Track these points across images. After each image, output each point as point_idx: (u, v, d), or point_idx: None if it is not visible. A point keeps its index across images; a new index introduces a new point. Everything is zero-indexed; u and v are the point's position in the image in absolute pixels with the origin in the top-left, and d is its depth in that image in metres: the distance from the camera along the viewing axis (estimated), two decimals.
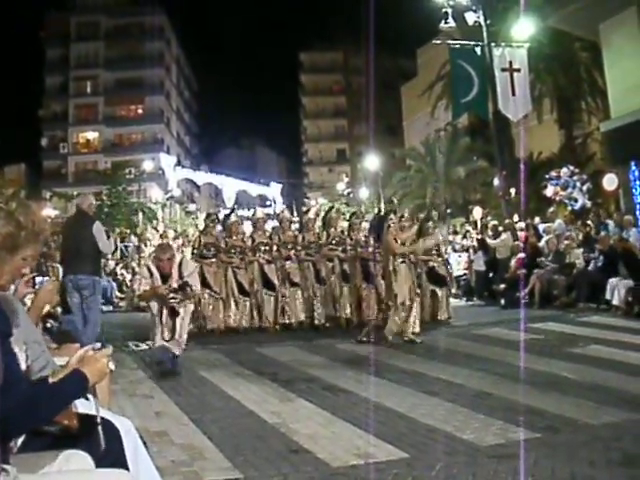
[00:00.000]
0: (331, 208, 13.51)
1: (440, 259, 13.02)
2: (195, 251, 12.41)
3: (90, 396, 2.82)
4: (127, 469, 2.65)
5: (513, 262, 15.46)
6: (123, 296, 18.95)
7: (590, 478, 4.06)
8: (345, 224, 13.51)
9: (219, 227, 12.93)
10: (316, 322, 12.18)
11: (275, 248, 12.39)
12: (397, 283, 9.99)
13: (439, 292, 12.61)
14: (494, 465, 4.33)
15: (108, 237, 9.61)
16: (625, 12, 17.20)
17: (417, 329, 10.23)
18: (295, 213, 13.73)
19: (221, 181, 36.60)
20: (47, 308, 4.90)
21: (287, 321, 12.14)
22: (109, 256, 19.70)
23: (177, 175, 34.90)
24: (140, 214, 31.43)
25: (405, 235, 10.53)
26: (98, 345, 2.76)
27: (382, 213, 12.00)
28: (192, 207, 37.93)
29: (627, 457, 4.41)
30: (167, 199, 35.08)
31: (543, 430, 5.08)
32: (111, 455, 2.64)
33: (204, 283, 11.35)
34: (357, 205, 33.84)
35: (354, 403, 6.18)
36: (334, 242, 12.47)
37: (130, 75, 58.63)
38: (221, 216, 13.65)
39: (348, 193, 47.20)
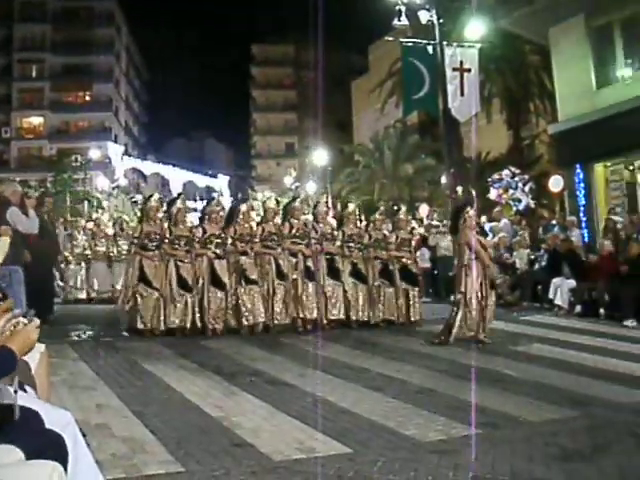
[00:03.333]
0: (294, 199, 12.56)
1: (412, 256, 12.30)
2: (136, 241, 10.63)
3: (27, 387, 2.75)
4: (63, 463, 2.57)
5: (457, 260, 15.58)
6: (63, 284, 18.42)
7: (529, 473, 4.14)
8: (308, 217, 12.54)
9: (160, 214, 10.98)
10: (275, 322, 10.66)
11: (230, 241, 10.76)
12: (469, 279, 9.57)
13: (411, 292, 11.66)
14: (436, 460, 4.36)
15: (26, 214, 9.18)
16: (574, 18, 17.61)
17: (487, 329, 9.68)
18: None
19: (168, 172, 36.36)
20: None
21: (246, 322, 10.44)
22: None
23: (124, 164, 34.54)
24: (86, 203, 30.98)
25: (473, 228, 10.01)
26: (33, 312, 2.69)
27: (459, 204, 11.18)
28: (138, 197, 37.46)
29: (565, 452, 4.53)
30: (113, 188, 34.65)
31: (484, 426, 5.14)
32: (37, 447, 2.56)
33: (143, 278, 10.17)
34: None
35: (297, 397, 6.16)
36: (297, 234, 11.16)
37: (78, 61, 57.56)
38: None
39: (295, 187, 47.16)
